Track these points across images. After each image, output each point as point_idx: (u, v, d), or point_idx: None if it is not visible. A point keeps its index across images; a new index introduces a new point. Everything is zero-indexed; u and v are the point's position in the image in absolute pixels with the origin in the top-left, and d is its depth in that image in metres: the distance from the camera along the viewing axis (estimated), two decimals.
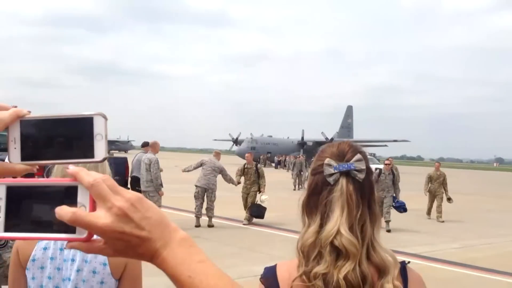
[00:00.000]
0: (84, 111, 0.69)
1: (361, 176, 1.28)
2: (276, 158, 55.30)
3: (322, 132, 61.75)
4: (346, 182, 1.27)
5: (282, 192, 19.63)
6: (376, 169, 19.41)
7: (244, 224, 11.31)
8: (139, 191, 10.26)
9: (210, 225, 10.83)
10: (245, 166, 12.16)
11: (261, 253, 8.40)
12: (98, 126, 0.68)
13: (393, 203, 11.85)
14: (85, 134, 0.68)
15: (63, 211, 0.62)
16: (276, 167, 52.06)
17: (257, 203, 11.64)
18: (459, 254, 8.97)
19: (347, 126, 74.25)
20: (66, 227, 0.64)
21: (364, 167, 1.29)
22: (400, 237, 10.66)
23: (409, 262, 1.40)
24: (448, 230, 12.05)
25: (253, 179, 11.99)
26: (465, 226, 12.43)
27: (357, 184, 1.28)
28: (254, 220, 11.50)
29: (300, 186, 23.38)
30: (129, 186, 10.43)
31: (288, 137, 67.12)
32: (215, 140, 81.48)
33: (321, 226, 1.27)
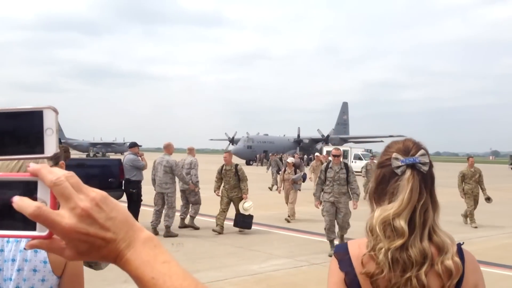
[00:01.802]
0: (35, 105, 0.66)
1: (425, 168, 1.49)
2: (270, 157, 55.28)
3: (318, 129, 61.81)
4: (412, 173, 1.47)
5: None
6: (369, 165, 19.06)
7: (213, 230, 10.01)
8: (132, 193, 10.28)
9: (168, 235, 9.60)
10: (223, 168, 10.64)
11: (258, 252, 8.40)
12: (48, 120, 0.65)
13: None
14: (35, 129, 0.65)
15: (24, 203, 0.59)
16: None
17: (241, 212, 10.25)
18: None
19: (343, 123, 74.35)
20: (25, 224, 0.61)
21: (427, 160, 1.50)
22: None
23: (463, 243, 1.56)
24: (445, 224, 11.96)
25: (233, 183, 10.44)
26: (462, 219, 12.45)
27: (421, 175, 1.48)
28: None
29: (278, 186, 21.52)
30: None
31: (284, 135, 67.16)
32: (211, 140, 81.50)
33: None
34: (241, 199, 10.37)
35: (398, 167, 1.49)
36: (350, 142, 65.13)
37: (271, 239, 9.64)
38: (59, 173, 0.60)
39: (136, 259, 0.63)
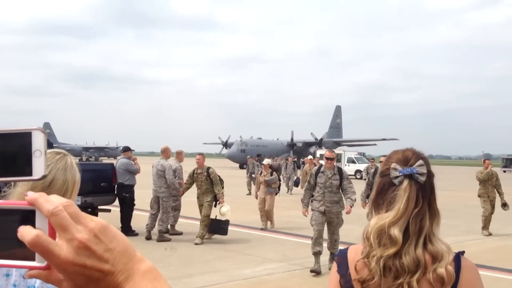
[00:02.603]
0: (23, 126, 0.65)
1: (422, 178, 1.54)
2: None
3: (311, 133, 61.94)
4: (409, 183, 1.52)
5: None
6: (370, 168, 17.93)
7: (196, 244, 9.24)
8: (125, 197, 10.24)
9: (161, 239, 9.45)
10: (195, 171, 9.84)
11: (251, 256, 8.38)
12: (37, 142, 0.64)
13: None
14: (23, 150, 0.64)
15: (25, 231, 0.58)
16: None
17: (216, 218, 9.57)
18: None
19: (336, 126, 74.51)
20: (25, 254, 0.59)
21: (425, 171, 1.55)
22: None
23: (464, 252, 1.57)
24: None
25: (204, 187, 9.67)
26: (453, 222, 12.50)
27: (418, 185, 1.53)
28: (244, 223, 11.40)
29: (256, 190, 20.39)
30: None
31: (277, 139, 67.19)
32: (205, 143, 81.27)
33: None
34: (211, 204, 9.63)
35: (396, 177, 1.55)
36: (344, 145, 65.29)
37: (264, 243, 9.63)
38: (56, 202, 0.59)
39: None
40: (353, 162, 38.51)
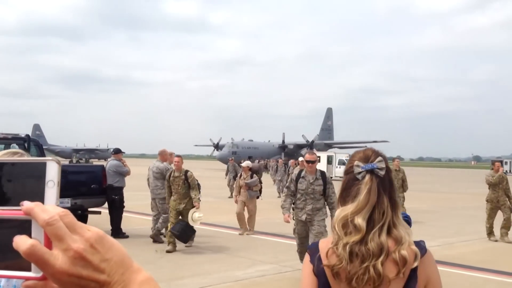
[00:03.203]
0: (38, 157, 0.66)
1: (382, 172, 1.73)
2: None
3: (302, 135, 62.05)
4: (370, 177, 1.71)
5: (266, 196, 19.62)
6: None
7: (168, 251, 8.62)
8: (114, 199, 10.19)
9: (155, 239, 9.44)
10: (172, 175, 9.15)
11: (242, 258, 8.38)
12: (51, 172, 0.65)
13: None
14: (36, 180, 0.65)
15: (20, 240, 0.57)
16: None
17: (187, 222, 8.85)
18: (438, 252, 9.07)
19: (327, 128, 74.76)
20: (21, 264, 0.59)
21: (384, 166, 1.74)
22: None
23: (423, 241, 1.77)
24: (427, 228, 12.20)
25: (182, 192, 8.98)
26: (443, 224, 12.60)
27: (379, 178, 1.71)
28: (235, 225, 11.35)
29: (234, 194, 19.09)
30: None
31: (269, 141, 67.26)
32: (196, 145, 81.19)
33: None
34: (188, 211, 8.96)
35: (359, 173, 1.74)
36: (335, 147, 65.55)
37: (255, 244, 9.63)
38: (52, 212, 0.59)
39: None
40: (344, 164, 38.56)
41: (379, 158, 1.76)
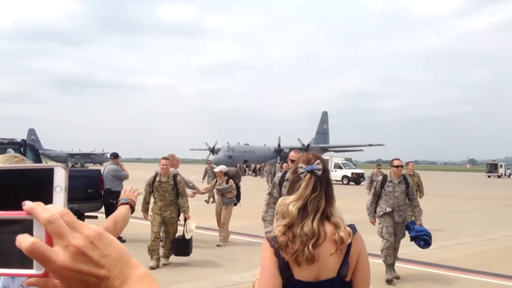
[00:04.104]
0: (46, 163, 0.70)
1: (319, 172, 2.13)
2: (252, 166, 55.27)
3: (298, 139, 62.21)
4: (310, 176, 2.12)
5: (261, 199, 19.62)
6: (376, 174, 14.39)
7: (151, 268, 7.69)
8: (112, 203, 10.16)
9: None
10: (157, 179, 8.10)
11: (239, 261, 8.37)
12: (58, 178, 0.67)
13: (409, 232, 7.59)
14: (45, 186, 0.67)
15: (22, 239, 0.60)
16: (255, 175, 51.95)
17: (182, 236, 8.06)
18: (435, 255, 9.11)
19: (323, 132, 74.94)
20: (23, 262, 0.62)
21: (321, 167, 2.14)
22: (378, 240, 10.76)
23: (353, 224, 2.17)
24: None
25: (169, 199, 8.03)
26: (440, 227, 12.62)
27: (316, 177, 2.12)
28: (232, 229, 11.33)
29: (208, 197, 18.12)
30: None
31: (265, 145, 67.36)
32: (192, 149, 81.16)
33: None
34: (177, 220, 8.20)
35: (302, 172, 2.14)
36: (330, 151, 65.66)
37: (252, 248, 9.62)
38: (53, 211, 0.61)
39: None
40: (340, 167, 38.67)
41: (318, 161, 2.17)
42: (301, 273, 2.04)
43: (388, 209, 7.46)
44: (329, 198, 2.12)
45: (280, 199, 2.16)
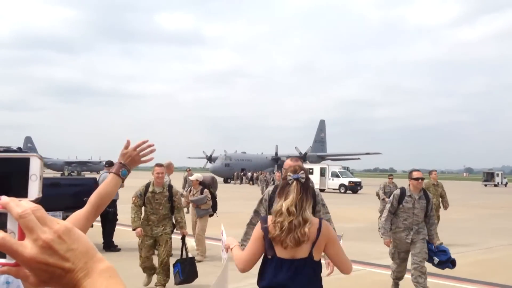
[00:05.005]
0: (22, 153, 0.74)
1: (303, 180, 2.88)
2: (248, 174, 55.20)
3: (295, 147, 62.26)
4: (296, 183, 2.86)
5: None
6: (388, 185, 13.63)
7: (145, 286, 7.23)
8: (108, 212, 10.11)
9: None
10: (150, 190, 6.99)
11: (235, 270, 8.28)
12: (33, 167, 0.73)
13: (433, 255, 6.59)
14: (21, 174, 0.73)
15: None
16: (252, 183, 51.84)
17: (187, 256, 7.23)
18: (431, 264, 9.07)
19: (320, 140, 74.97)
20: None
21: (304, 176, 2.90)
22: (374, 249, 10.74)
23: (322, 218, 3.03)
24: None
25: (164, 213, 6.97)
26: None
27: (301, 184, 2.87)
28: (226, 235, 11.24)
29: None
30: None
31: (262, 153, 67.32)
32: (189, 157, 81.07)
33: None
34: (170, 236, 7.08)
35: (290, 179, 2.87)
36: (328, 159, 65.68)
37: None
38: (26, 206, 0.67)
39: None
40: (337, 176, 38.66)
41: (302, 171, 2.90)
42: (282, 253, 2.86)
43: (408, 235, 6.53)
44: (309, 200, 2.87)
45: (276, 204, 2.91)
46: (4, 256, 0.68)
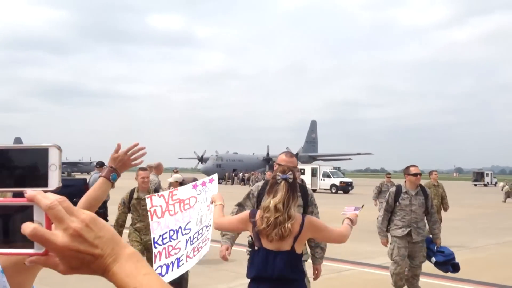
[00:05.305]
0: (41, 142, 0.76)
1: (291, 180, 3.16)
2: (240, 175, 55.18)
3: (287, 148, 62.04)
4: (284, 182, 3.14)
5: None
6: (386, 184, 13.64)
7: None
8: (98, 213, 10.05)
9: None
10: (134, 196, 6.53)
11: (226, 271, 8.34)
12: (52, 157, 0.74)
13: (432, 254, 6.42)
14: (40, 164, 0.74)
15: (25, 225, 0.69)
16: (244, 184, 51.83)
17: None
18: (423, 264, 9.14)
19: (311, 141, 75.10)
20: (24, 243, 0.70)
21: (292, 176, 3.17)
22: (366, 249, 10.80)
23: (305, 215, 3.45)
24: None
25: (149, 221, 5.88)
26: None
27: (288, 183, 3.14)
28: (217, 235, 11.23)
29: None
30: None
31: (253, 153, 67.31)
32: (181, 158, 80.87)
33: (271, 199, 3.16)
34: None
35: (279, 179, 3.15)
36: (319, 160, 65.85)
37: (239, 258, 9.56)
38: (52, 198, 0.70)
39: (121, 272, 0.73)
40: (329, 176, 38.78)
41: (290, 172, 3.17)
42: (268, 245, 3.16)
43: (404, 231, 6.25)
44: (295, 198, 3.16)
45: (267, 201, 3.16)
46: (32, 247, 0.70)
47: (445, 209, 11.16)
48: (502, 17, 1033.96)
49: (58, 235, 0.69)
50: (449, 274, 7.31)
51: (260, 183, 4.49)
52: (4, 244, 0.71)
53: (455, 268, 6.33)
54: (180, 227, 4.87)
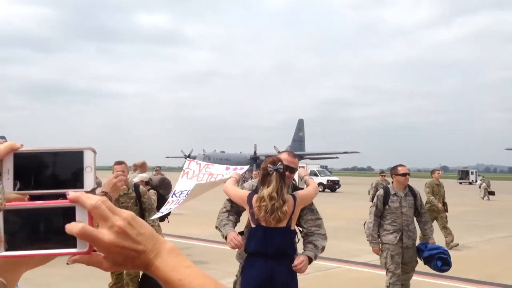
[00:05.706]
0: (76, 145, 0.78)
1: (281, 171, 3.56)
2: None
3: (274, 146, 62.31)
4: (276, 173, 3.53)
5: None
6: (380, 183, 14.28)
7: None
8: None
9: None
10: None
11: (213, 270, 8.32)
12: (87, 159, 0.77)
13: (421, 253, 6.11)
14: (76, 167, 0.76)
15: (72, 225, 0.71)
16: None
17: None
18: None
19: (298, 140, 75.27)
20: (66, 243, 0.72)
21: (282, 167, 3.57)
22: (352, 247, 10.85)
23: (294, 194, 3.77)
24: None
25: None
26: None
27: (279, 173, 3.54)
28: (204, 236, 11.24)
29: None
30: None
31: (241, 152, 67.28)
32: (167, 157, 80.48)
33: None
34: None
35: (270, 170, 3.52)
36: (306, 158, 66.00)
37: (226, 256, 9.54)
38: (96, 198, 0.73)
39: (164, 266, 0.77)
40: (316, 175, 38.90)
41: (280, 163, 3.54)
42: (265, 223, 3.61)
43: (397, 236, 5.96)
44: (285, 184, 3.58)
45: (261, 191, 3.58)
46: (74, 246, 0.72)
47: (446, 210, 11.65)
48: (487, 17, 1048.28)
49: (105, 233, 0.72)
50: (446, 273, 7.28)
51: (255, 182, 4.01)
52: (46, 245, 0.72)
53: (446, 263, 5.98)
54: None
